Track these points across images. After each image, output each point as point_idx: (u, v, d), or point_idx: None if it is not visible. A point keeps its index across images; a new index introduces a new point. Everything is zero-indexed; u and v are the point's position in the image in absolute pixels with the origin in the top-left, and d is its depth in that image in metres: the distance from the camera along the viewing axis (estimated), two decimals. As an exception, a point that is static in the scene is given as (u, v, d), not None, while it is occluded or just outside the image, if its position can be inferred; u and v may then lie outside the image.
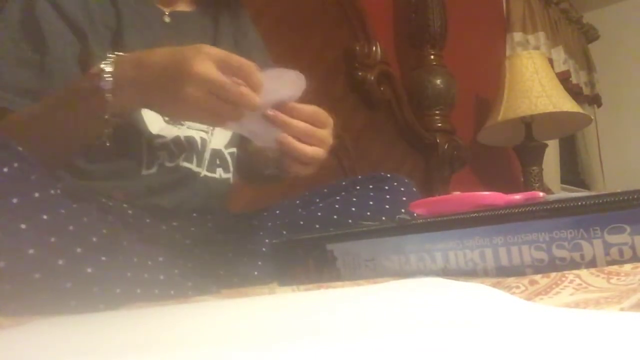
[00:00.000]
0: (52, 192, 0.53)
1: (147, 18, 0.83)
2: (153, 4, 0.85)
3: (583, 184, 3.29)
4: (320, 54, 1.66)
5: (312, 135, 0.67)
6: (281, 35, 1.50)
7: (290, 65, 0.67)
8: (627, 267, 0.41)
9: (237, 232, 0.82)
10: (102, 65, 0.62)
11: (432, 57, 1.96)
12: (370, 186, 0.85)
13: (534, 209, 0.49)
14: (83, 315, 0.43)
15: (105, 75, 0.62)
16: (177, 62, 0.59)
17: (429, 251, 0.54)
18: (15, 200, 0.49)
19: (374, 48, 1.76)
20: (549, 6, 3.05)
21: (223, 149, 0.86)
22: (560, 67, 2.89)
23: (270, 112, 0.65)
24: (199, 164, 0.82)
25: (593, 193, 0.54)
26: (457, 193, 0.63)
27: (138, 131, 0.77)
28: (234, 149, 0.88)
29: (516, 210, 0.50)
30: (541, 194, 0.56)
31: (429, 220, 0.57)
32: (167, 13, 0.85)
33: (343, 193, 0.85)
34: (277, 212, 0.84)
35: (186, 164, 0.80)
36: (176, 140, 0.79)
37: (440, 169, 1.94)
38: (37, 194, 0.50)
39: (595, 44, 3.49)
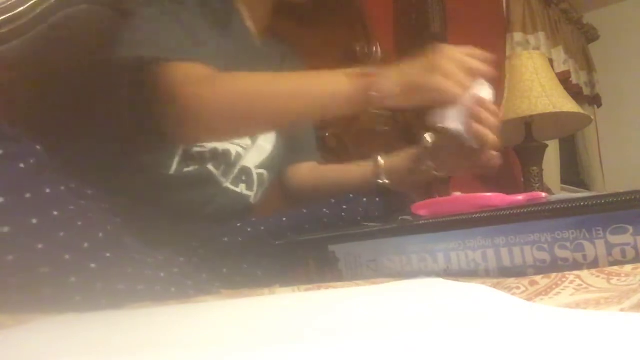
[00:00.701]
0: (62, 188, 0.53)
1: (247, 37, 0.95)
2: (246, 26, 0.96)
3: (583, 184, 3.28)
4: (320, 54, 1.65)
5: (494, 125, 0.80)
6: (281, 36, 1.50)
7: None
8: (628, 267, 0.41)
9: (243, 235, 0.83)
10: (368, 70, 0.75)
11: (432, 57, 1.95)
12: (377, 198, 0.87)
13: (535, 209, 0.49)
14: (84, 315, 0.43)
15: (377, 79, 0.73)
16: (429, 57, 0.75)
17: (431, 252, 0.54)
18: (28, 195, 0.49)
19: (374, 48, 1.76)
20: (549, 6, 3.05)
21: (253, 168, 0.89)
22: (561, 68, 2.89)
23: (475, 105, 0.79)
24: (224, 175, 0.85)
25: (595, 193, 0.53)
26: (458, 193, 0.63)
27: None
28: (263, 171, 0.92)
29: (518, 211, 0.50)
30: (544, 194, 0.56)
31: (430, 221, 0.57)
32: (258, 39, 0.97)
33: (350, 202, 0.87)
34: (284, 218, 0.85)
35: (212, 169, 0.83)
36: (213, 151, 0.83)
37: (440, 169, 1.94)
38: (48, 190, 0.51)
39: (595, 44, 3.49)
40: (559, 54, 2.94)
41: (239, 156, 0.86)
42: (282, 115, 0.76)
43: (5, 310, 0.45)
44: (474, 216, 0.52)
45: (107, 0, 0.93)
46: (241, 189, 0.88)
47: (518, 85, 2.15)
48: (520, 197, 0.55)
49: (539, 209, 0.49)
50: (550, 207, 0.48)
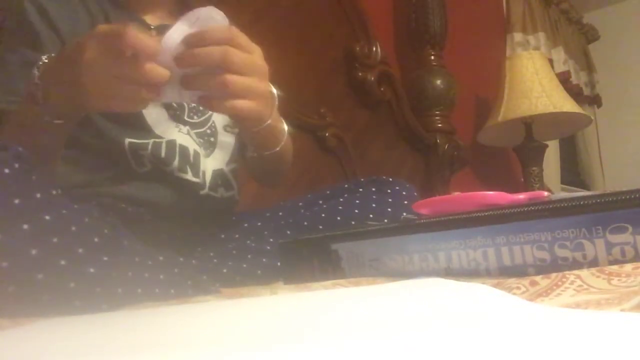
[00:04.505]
0: (54, 192, 0.53)
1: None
2: (139, 17, 0.85)
3: (583, 185, 3.29)
4: (320, 54, 1.66)
5: (242, 87, 0.63)
6: (281, 36, 1.50)
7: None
8: (628, 267, 0.41)
9: (240, 231, 0.82)
10: (33, 71, 0.62)
11: (432, 57, 1.96)
12: (373, 189, 0.86)
13: (535, 208, 0.49)
14: (83, 317, 0.43)
15: (35, 81, 0.61)
16: (76, 42, 0.59)
17: (432, 251, 0.54)
18: (17, 201, 0.49)
19: (374, 48, 1.76)
20: (549, 6, 3.06)
21: (224, 168, 0.84)
22: (561, 68, 2.89)
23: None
24: (195, 175, 0.79)
25: (595, 192, 0.53)
26: (457, 194, 0.63)
27: (115, 138, 0.76)
28: (235, 165, 0.87)
29: (518, 210, 0.50)
30: (546, 193, 0.56)
31: (432, 220, 0.57)
32: (152, 27, 0.84)
33: (346, 195, 0.86)
34: (280, 213, 0.84)
35: (182, 175, 0.78)
36: (155, 145, 0.77)
37: (440, 170, 1.94)
38: (38, 195, 0.50)
39: (595, 45, 3.49)
40: (559, 54, 2.95)
41: (197, 155, 0.80)
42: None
43: (4, 314, 0.45)
44: (474, 215, 0.52)
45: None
46: (220, 193, 0.83)
47: (518, 86, 2.15)
48: (522, 196, 0.55)
49: (539, 207, 0.48)
50: (550, 206, 0.48)
